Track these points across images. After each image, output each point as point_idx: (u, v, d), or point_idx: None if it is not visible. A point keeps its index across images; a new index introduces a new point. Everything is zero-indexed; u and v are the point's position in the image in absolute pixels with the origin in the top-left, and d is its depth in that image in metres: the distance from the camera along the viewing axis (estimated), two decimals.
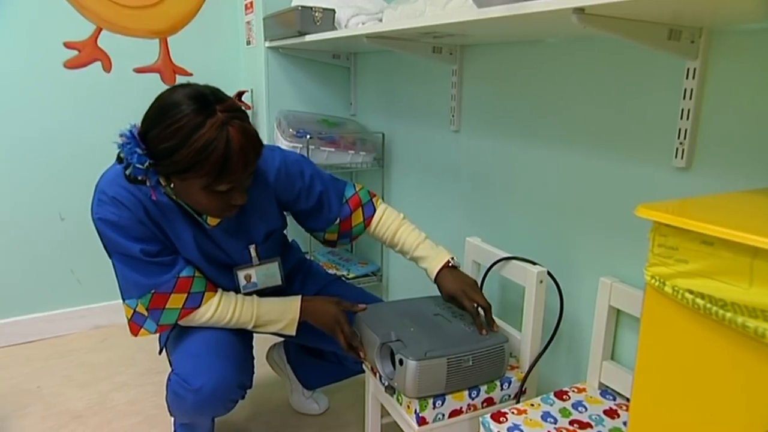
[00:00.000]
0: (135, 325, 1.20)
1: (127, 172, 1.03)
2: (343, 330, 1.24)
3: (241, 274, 1.28)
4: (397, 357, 1.13)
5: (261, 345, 1.62)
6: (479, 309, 1.24)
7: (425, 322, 1.25)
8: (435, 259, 1.30)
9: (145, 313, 1.18)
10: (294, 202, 1.31)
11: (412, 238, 1.34)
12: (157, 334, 1.36)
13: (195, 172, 1.00)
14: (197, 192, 1.05)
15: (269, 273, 1.32)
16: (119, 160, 1.08)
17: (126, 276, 1.16)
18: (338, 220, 1.35)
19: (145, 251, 1.14)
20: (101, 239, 1.16)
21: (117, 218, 1.11)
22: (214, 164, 0.99)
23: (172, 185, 1.08)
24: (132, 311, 1.18)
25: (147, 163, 1.01)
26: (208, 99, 1.00)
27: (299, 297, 1.28)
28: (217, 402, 1.18)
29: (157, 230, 1.16)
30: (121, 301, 1.19)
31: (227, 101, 1.04)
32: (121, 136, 1.02)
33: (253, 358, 1.29)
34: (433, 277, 1.29)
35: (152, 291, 1.15)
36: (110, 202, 1.12)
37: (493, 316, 1.24)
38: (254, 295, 1.25)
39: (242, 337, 1.27)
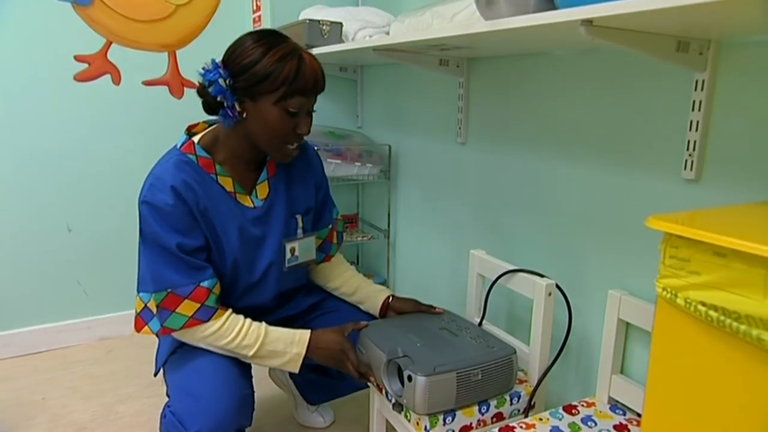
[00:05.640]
0: (141, 320, 1.18)
1: (209, 90, 1.11)
2: (349, 358, 1.22)
3: (288, 247, 1.32)
4: (406, 373, 1.11)
5: None
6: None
7: (431, 337, 1.23)
8: (383, 291, 1.42)
9: (154, 311, 1.16)
10: (317, 189, 1.39)
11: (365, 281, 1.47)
12: (155, 349, 1.35)
13: (271, 83, 1.10)
14: (268, 111, 1.12)
15: (308, 247, 1.37)
16: (205, 108, 1.17)
17: (150, 266, 1.15)
18: (330, 226, 1.44)
19: (181, 246, 1.13)
20: (139, 223, 1.16)
21: (164, 205, 1.12)
22: (288, 73, 1.10)
23: (244, 114, 1.14)
24: (143, 305, 1.17)
25: (228, 80, 1.11)
26: (281, 34, 1.17)
27: (309, 331, 1.25)
28: None
29: (204, 224, 1.18)
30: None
31: None
32: (202, 69, 1.13)
33: (253, 393, 1.24)
34: (382, 302, 1.40)
35: (169, 290, 1.13)
36: (165, 190, 1.13)
37: (501, 329, 1.22)
38: (263, 322, 1.23)
39: (243, 370, 1.23)
